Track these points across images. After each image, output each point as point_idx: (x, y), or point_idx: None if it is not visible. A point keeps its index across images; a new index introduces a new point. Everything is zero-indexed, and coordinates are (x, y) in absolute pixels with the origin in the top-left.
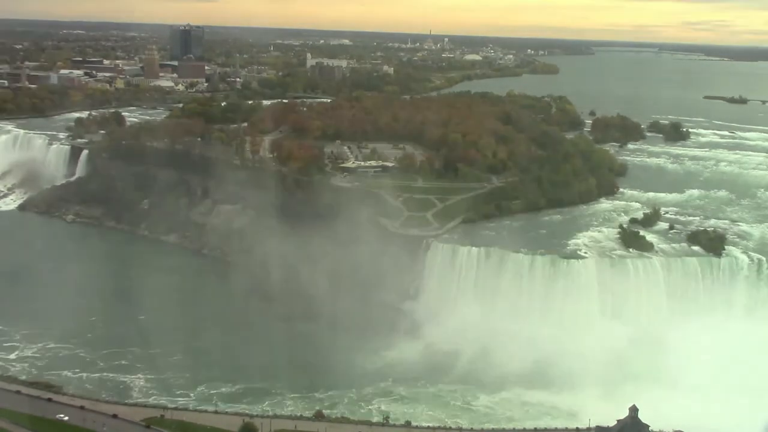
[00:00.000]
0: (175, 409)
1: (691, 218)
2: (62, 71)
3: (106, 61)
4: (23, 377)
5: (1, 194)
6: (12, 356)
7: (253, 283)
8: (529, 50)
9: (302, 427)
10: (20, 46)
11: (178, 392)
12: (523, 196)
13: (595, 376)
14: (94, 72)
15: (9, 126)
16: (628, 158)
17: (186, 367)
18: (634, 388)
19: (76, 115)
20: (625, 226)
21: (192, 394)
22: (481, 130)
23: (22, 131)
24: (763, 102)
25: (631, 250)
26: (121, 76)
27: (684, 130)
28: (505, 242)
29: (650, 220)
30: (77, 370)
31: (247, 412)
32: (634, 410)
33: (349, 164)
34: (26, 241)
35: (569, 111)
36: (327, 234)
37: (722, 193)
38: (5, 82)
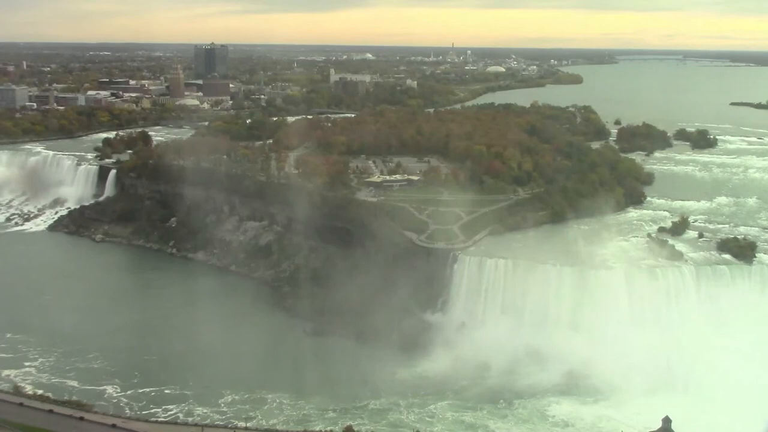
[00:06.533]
0: (213, 426)
1: (720, 226)
2: (89, 92)
3: (132, 82)
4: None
5: (32, 215)
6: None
7: (280, 298)
8: (552, 60)
9: None
10: (48, 69)
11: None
12: (549, 207)
13: (627, 387)
14: (120, 92)
15: (38, 147)
16: (654, 167)
17: (218, 380)
18: (666, 398)
19: (104, 135)
20: (653, 235)
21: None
22: (506, 141)
23: (51, 152)
24: None
25: (660, 259)
26: (147, 95)
27: (711, 137)
28: (532, 254)
29: (679, 228)
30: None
31: (278, 428)
32: (667, 421)
33: (375, 178)
34: (55, 262)
35: (594, 120)
36: (353, 248)
37: (752, 200)
38: (34, 104)
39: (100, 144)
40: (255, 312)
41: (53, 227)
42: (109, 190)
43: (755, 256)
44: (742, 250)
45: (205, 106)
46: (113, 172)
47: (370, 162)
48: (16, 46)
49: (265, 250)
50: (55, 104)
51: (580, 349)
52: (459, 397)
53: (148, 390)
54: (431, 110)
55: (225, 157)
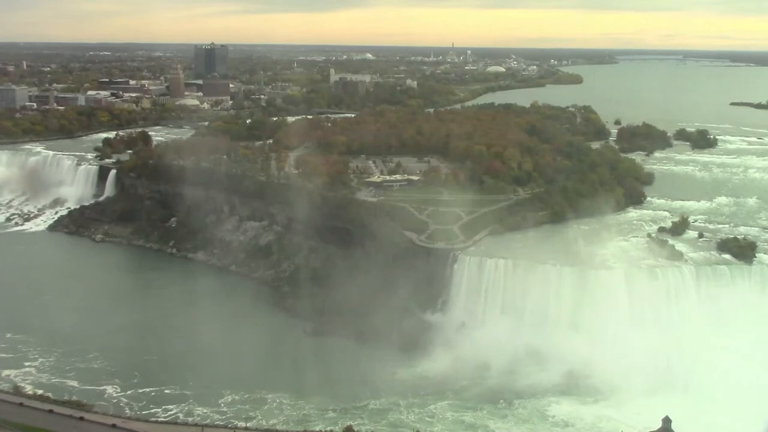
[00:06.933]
0: (213, 426)
1: (720, 226)
2: (89, 92)
3: (132, 82)
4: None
5: (32, 215)
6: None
7: (280, 298)
8: (552, 60)
9: None
10: (48, 69)
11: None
12: (549, 207)
13: (627, 387)
14: (120, 92)
15: (38, 147)
16: (654, 167)
17: (218, 380)
18: (666, 398)
19: (104, 135)
20: (653, 235)
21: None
22: (506, 141)
23: (51, 152)
24: None
25: (660, 259)
26: (147, 95)
27: (711, 137)
28: (532, 254)
29: (679, 228)
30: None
31: (278, 428)
32: (667, 421)
33: (375, 178)
34: (55, 262)
35: (594, 120)
36: (353, 248)
37: (752, 200)
38: (34, 104)
39: (100, 144)
40: (255, 312)
41: (53, 227)
42: (109, 190)
43: (755, 256)
44: (742, 250)
45: (205, 106)
46: (113, 172)
47: (370, 162)
48: (16, 46)
49: (265, 250)
50: (55, 104)
51: (580, 349)
52: (459, 397)
53: (148, 390)
54: (431, 110)
55: (225, 157)
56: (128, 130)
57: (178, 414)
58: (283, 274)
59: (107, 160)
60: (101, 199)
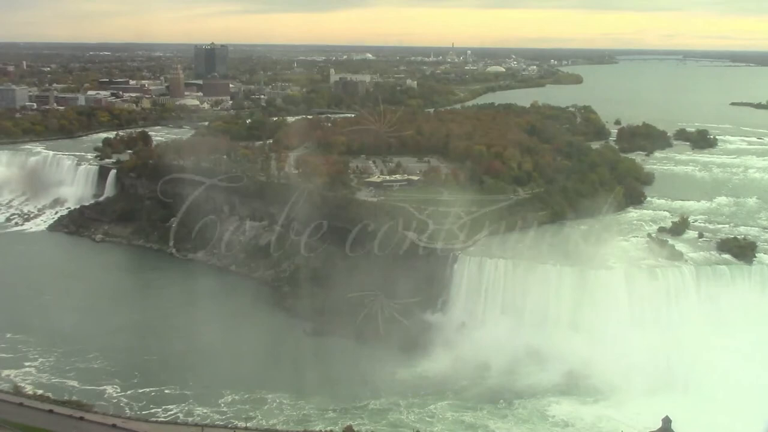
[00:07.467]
0: (213, 426)
1: (720, 226)
2: (89, 92)
3: (132, 82)
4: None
5: (32, 215)
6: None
7: (280, 298)
8: (552, 60)
9: None
10: (48, 69)
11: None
12: (549, 207)
13: (627, 387)
14: (120, 92)
15: (38, 147)
16: (655, 167)
17: (218, 380)
18: (666, 398)
19: (104, 135)
20: (653, 235)
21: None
22: (506, 141)
23: (50, 152)
24: None
25: (660, 259)
26: (147, 95)
27: (711, 137)
28: (532, 254)
29: (679, 228)
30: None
31: (277, 428)
32: (667, 421)
33: (375, 178)
34: (55, 262)
35: (594, 120)
36: (353, 248)
37: (752, 200)
38: (34, 104)
39: (100, 144)
40: (255, 312)
41: (53, 227)
42: (109, 190)
43: (755, 256)
44: (742, 250)
45: (205, 106)
46: (113, 172)
47: (370, 162)
48: (16, 46)
49: (265, 250)
50: (55, 104)
51: (580, 349)
52: (459, 397)
53: (148, 390)
54: (431, 110)
55: (225, 157)
56: (128, 130)
57: (178, 414)
58: (283, 274)
59: (107, 160)
60: (101, 199)
